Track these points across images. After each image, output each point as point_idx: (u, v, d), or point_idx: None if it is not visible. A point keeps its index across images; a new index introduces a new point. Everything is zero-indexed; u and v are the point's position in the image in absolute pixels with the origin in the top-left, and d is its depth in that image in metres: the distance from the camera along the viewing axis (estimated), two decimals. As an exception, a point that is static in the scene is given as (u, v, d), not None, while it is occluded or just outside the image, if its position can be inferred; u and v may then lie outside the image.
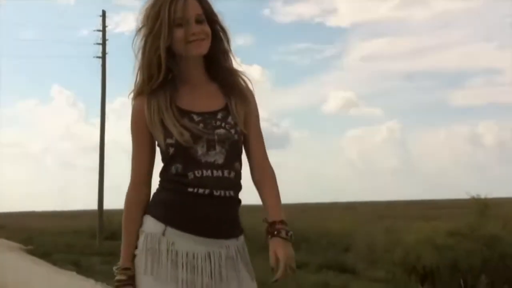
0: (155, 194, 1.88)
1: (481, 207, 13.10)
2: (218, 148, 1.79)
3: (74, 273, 10.71)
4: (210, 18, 1.85)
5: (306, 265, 11.87)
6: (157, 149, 1.89)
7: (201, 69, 1.89)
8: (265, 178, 1.92)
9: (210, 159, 1.79)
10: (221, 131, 1.81)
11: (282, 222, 1.81)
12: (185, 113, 1.81)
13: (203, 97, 1.87)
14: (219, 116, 1.84)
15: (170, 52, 1.81)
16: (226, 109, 1.86)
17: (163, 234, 1.78)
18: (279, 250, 1.75)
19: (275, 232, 1.79)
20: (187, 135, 1.76)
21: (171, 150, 1.79)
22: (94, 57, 21.47)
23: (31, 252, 16.09)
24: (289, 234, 1.79)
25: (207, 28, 1.83)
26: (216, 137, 1.79)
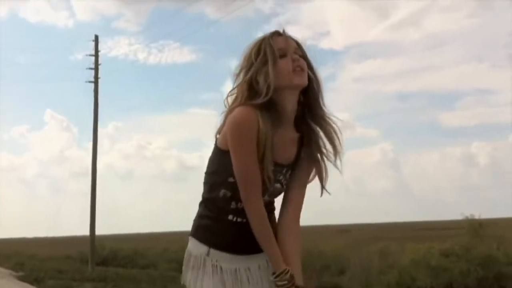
0: (197, 217, 2.04)
1: (475, 228, 13.10)
2: (266, 196, 1.94)
3: (66, 299, 10.55)
4: (306, 62, 1.92)
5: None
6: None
7: (294, 105, 1.93)
8: (294, 235, 1.98)
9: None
10: (278, 186, 1.96)
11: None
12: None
13: (284, 145, 1.93)
14: (284, 171, 1.96)
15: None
16: (294, 163, 1.98)
17: (207, 254, 1.96)
18: None
19: None
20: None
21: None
22: (86, 81, 21.47)
23: (22, 279, 15.83)
24: None
25: (304, 62, 1.90)
26: (272, 189, 1.94)
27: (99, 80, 21.49)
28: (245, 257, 1.99)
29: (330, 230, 49.08)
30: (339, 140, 1.96)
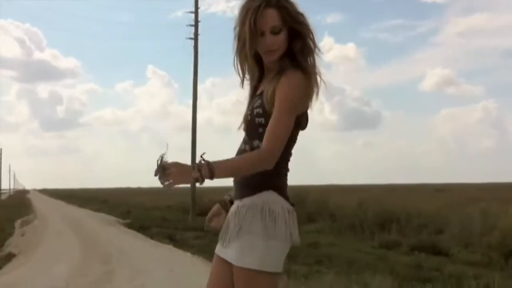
0: None
1: None
2: (243, 126, 2.18)
3: (171, 246, 11.18)
4: (289, 24, 2.08)
5: (398, 245, 11.73)
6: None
7: (277, 61, 2.13)
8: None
9: (244, 134, 2.18)
10: (246, 112, 2.18)
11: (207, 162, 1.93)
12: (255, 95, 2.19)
13: (264, 83, 2.16)
14: (255, 99, 2.17)
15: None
16: (261, 93, 2.14)
17: None
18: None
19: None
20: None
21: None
22: (186, 38, 22.00)
23: (129, 226, 16.91)
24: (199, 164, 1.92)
25: (280, 39, 2.08)
26: (244, 117, 2.19)
27: (199, 37, 21.95)
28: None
29: (426, 188, 47.90)
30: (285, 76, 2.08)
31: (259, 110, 2.09)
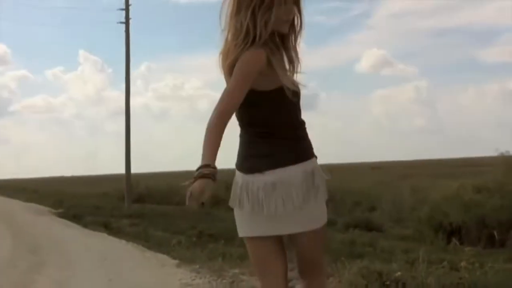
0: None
1: (509, 164, 12.93)
2: (295, 98, 2.09)
3: (105, 234, 10.95)
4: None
5: (333, 224, 11.95)
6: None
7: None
8: None
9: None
10: (297, 85, 2.12)
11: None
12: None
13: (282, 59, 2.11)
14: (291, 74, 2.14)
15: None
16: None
17: None
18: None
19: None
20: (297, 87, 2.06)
21: (292, 97, 2.01)
22: (118, 22, 21.40)
23: (62, 216, 16.44)
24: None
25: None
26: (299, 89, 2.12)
27: (131, 21, 21.40)
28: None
29: (361, 167, 49.15)
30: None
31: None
